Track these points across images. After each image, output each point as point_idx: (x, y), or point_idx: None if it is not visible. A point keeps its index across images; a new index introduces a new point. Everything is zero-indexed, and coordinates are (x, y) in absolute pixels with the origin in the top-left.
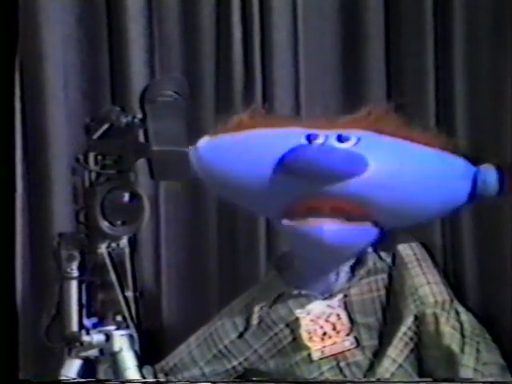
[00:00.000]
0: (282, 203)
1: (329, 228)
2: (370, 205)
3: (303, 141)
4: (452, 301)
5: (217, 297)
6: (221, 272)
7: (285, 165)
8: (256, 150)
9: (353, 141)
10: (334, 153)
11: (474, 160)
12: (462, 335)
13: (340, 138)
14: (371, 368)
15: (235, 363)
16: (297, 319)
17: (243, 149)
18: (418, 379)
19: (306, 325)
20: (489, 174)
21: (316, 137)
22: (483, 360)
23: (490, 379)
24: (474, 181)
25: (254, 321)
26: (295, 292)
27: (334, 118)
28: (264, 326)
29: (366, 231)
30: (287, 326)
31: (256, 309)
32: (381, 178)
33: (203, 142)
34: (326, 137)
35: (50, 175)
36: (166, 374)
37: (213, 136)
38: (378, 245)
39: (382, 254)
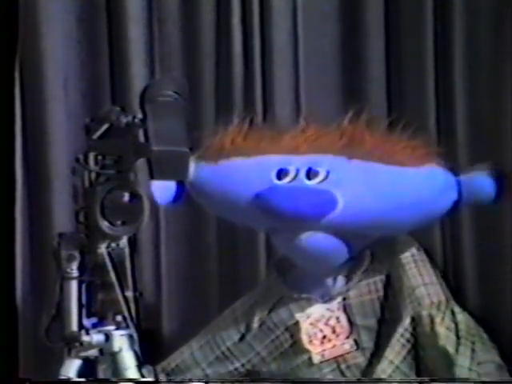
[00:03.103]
0: (264, 227)
1: (307, 237)
2: (344, 231)
3: (273, 177)
4: (448, 301)
5: (217, 297)
6: (221, 272)
7: (258, 206)
8: (234, 185)
9: (322, 175)
10: (301, 196)
11: (457, 168)
12: (457, 336)
13: (309, 174)
14: (369, 369)
15: (238, 365)
16: (297, 323)
17: (223, 181)
18: (416, 378)
19: (305, 328)
20: (481, 181)
21: (286, 172)
22: (478, 360)
23: (486, 378)
24: (457, 189)
25: (256, 324)
26: (296, 295)
27: (311, 134)
28: (265, 328)
29: (346, 239)
30: (287, 329)
31: (257, 312)
32: (351, 211)
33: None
34: (296, 170)
35: (50, 175)
36: (168, 375)
37: (196, 160)
38: (374, 246)
39: (381, 255)
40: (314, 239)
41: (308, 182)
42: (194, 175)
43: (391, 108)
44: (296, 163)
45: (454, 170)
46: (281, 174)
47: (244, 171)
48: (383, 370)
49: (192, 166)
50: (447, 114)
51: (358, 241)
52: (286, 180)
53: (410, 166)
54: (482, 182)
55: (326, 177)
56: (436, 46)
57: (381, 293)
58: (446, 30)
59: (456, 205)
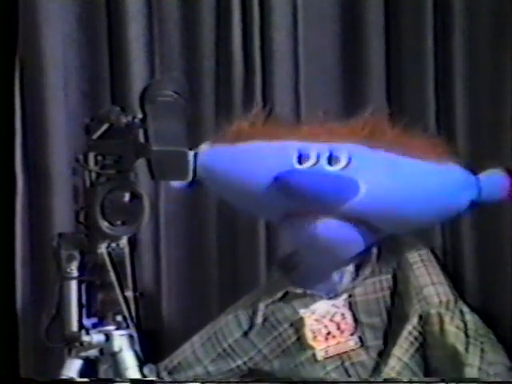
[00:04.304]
0: (280, 212)
1: (322, 223)
2: (363, 220)
3: (294, 162)
4: (457, 301)
5: (217, 297)
6: (221, 272)
7: (277, 188)
8: (252, 166)
9: (343, 162)
10: (323, 180)
11: (474, 167)
12: (467, 335)
13: (331, 159)
14: (377, 368)
15: (240, 362)
16: (301, 319)
17: (241, 162)
18: (420, 379)
19: (310, 324)
20: (492, 181)
21: (307, 157)
22: (488, 360)
23: (495, 379)
24: (476, 188)
25: (259, 320)
26: (300, 291)
27: (331, 125)
28: (268, 325)
29: (361, 230)
30: (291, 325)
31: (261, 307)
32: (372, 199)
33: (205, 148)
34: (317, 156)
35: (50, 175)
36: (170, 373)
37: (214, 143)
38: (381, 245)
39: (387, 254)
40: (326, 226)
41: (329, 168)
42: (208, 157)
43: (391, 108)
44: (317, 149)
45: (473, 169)
46: (301, 158)
47: (264, 153)
48: (392, 367)
49: (206, 149)
50: (447, 114)
51: (371, 235)
52: (307, 165)
53: (431, 161)
54: (496, 180)
55: (348, 163)
56: (436, 45)
57: (386, 292)
58: (446, 30)
59: (472, 204)
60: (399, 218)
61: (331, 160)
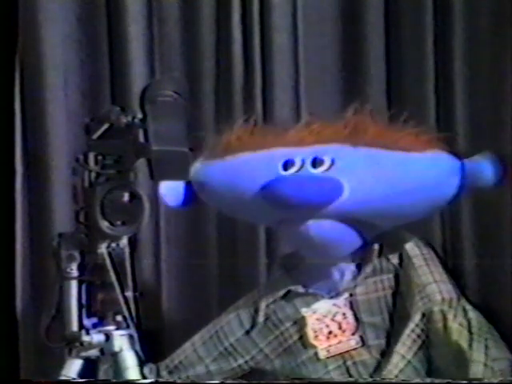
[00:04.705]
0: (273, 219)
1: (315, 224)
2: (354, 218)
3: (280, 169)
4: (459, 299)
5: (217, 297)
6: (221, 272)
7: (264, 197)
8: (242, 179)
9: (327, 164)
10: (306, 184)
11: (463, 154)
12: (470, 332)
13: (315, 163)
14: (379, 367)
15: (241, 361)
16: (303, 318)
17: (231, 177)
18: (423, 379)
19: (311, 323)
20: (483, 165)
21: (292, 163)
22: (492, 356)
23: (500, 376)
24: (464, 174)
25: (261, 318)
26: (302, 290)
27: (315, 128)
28: (270, 324)
29: (355, 227)
30: (293, 324)
31: (262, 306)
32: (358, 196)
33: (196, 167)
34: (302, 161)
35: (50, 175)
36: (171, 372)
37: (204, 159)
38: (382, 242)
39: (388, 253)
40: (319, 226)
41: (314, 171)
42: (200, 174)
43: (391, 107)
44: (302, 154)
45: (458, 154)
46: (287, 165)
47: (251, 165)
48: (395, 364)
49: (198, 166)
50: (447, 113)
51: (365, 231)
52: (292, 170)
53: (415, 152)
54: (484, 165)
55: (332, 165)
56: (436, 45)
57: (388, 291)
58: (446, 30)
59: (461, 190)
60: (389, 211)
61: (315, 163)
